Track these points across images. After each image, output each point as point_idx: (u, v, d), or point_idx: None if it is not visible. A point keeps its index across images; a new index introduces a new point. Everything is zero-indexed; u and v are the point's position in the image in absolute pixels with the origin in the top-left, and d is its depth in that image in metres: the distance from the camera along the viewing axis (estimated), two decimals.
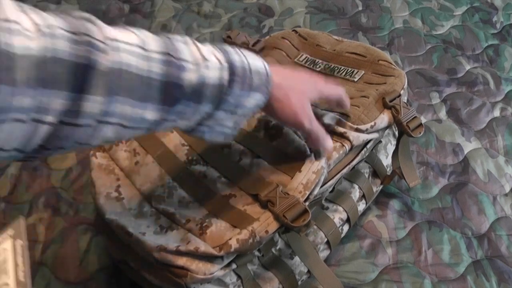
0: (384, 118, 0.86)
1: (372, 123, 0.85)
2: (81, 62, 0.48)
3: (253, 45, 1.03)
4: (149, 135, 0.88)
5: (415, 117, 0.88)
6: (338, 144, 0.81)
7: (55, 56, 0.47)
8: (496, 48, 1.39)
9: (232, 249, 0.70)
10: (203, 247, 0.70)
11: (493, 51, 1.37)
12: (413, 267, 0.95)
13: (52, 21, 0.48)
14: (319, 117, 0.81)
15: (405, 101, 0.90)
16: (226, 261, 0.72)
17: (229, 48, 0.64)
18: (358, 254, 0.96)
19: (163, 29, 1.45)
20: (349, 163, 0.85)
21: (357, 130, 0.82)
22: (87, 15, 0.53)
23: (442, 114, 1.22)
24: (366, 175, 0.96)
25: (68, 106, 0.49)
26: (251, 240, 0.71)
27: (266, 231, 0.72)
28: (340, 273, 0.93)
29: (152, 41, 0.56)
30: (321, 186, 0.79)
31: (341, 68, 0.95)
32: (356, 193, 0.95)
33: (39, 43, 0.46)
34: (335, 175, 0.83)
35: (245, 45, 1.03)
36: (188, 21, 1.48)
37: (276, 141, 0.81)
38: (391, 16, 1.49)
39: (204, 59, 0.59)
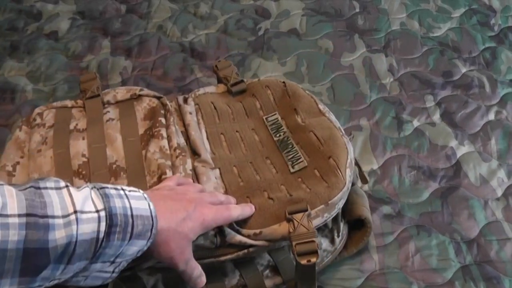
0: (276, 230, 0.78)
1: (257, 231, 0.78)
2: None
3: (234, 85, 1.00)
4: (66, 130, 0.90)
5: (312, 241, 0.75)
6: (211, 233, 0.76)
7: None
8: (493, 50, 1.37)
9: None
10: None
11: (490, 54, 1.36)
12: (400, 273, 0.94)
13: None
14: None
15: (323, 220, 0.81)
16: None
17: (111, 191, 0.60)
18: (343, 261, 0.95)
19: (159, 30, 1.45)
20: (216, 257, 0.79)
21: (238, 231, 0.78)
22: None
23: (436, 117, 1.21)
24: (261, 268, 0.86)
25: None
26: None
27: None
28: (325, 280, 0.93)
29: (14, 202, 0.49)
30: None
31: (292, 149, 0.89)
32: (233, 280, 0.85)
33: None
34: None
35: (225, 80, 1.00)
36: (184, 22, 1.48)
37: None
38: (388, 18, 1.48)
39: (76, 212, 0.53)
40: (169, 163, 0.83)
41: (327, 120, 0.92)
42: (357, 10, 1.51)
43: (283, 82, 0.99)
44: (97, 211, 0.55)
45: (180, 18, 1.49)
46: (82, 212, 0.54)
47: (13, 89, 1.29)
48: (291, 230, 0.76)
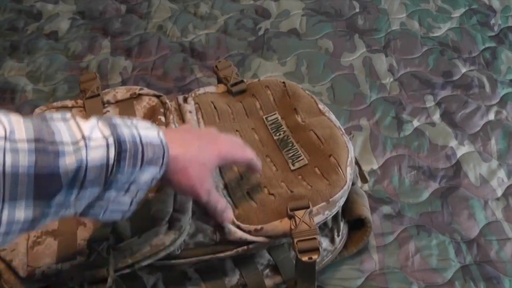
0: (277, 226, 0.78)
1: (258, 227, 0.78)
2: None
3: (234, 85, 1.00)
4: None
5: (313, 238, 0.76)
6: (210, 229, 0.78)
7: None
8: (493, 50, 1.37)
9: None
10: None
11: (490, 54, 1.36)
12: (400, 273, 0.94)
13: None
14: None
15: (324, 218, 0.81)
16: None
17: (118, 120, 0.60)
18: (343, 260, 0.95)
19: (159, 30, 1.45)
20: (215, 253, 0.79)
21: (238, 227, 0.78)
22: None
23: (436, 117, 1.21)
24: (261, 267, 0.86)
25: None
26: None
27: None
28: (325, 279, 0.93)
29: (21, 128, 0.50)
30: (169, 261, 0.78)
31: (292, 147, 0.89)
32: (233, 279, 0.85)
33: None
34: (191, 257, 0.79)
35: (225, 80, 1.00)
36: (184, 22, 1.48)
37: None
38: (388, 18, 1.48)
39: (85, 138, 0.54)
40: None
41: (327, 120, 0.92)
42: (357, 10, 1.51)
43: (283, 82, 0.99)
44: (105, 138, 0.55)
45: (180, 18, 1.49)
46: (90, 139, 0.54)
47: (13, 89, 1.29)
48: (292, 227, 0.76)
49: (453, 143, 1.15)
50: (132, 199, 0.62)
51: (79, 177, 0.53)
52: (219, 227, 0.78)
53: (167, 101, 0.93)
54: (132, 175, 0.59)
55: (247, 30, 1.45)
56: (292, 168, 0.86)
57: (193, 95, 0.97)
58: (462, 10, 1.50)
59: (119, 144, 0.56)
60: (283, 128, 0.93)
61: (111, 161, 0.55)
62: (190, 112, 0.93)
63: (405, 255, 0.96)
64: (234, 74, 1.01)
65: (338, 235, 0.90)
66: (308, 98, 0.96)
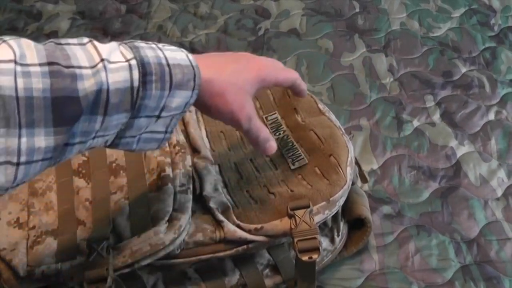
0: (277, 225, 0.78)
1: (258, 226, 0.78)
2: None
3: None
4: None
5: (313, 238, 0.75)
6: (210, 228, 0.77)
7: None
8: (493, 50, 1.37)
9: None
10: None
11: (490, 54, 1.36)
12: (400, 273, 0.94)
13: None
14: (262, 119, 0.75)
15: (324, 217, 0.81)
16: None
17: (141, 43, 0.56)
18: (343, 261, 0.95)
19: (159, 30, 1.45)
20: (215, 253, 0.78)
21: (238, 226, 0.78)
22: None
23: (436, 117, 1.21)
24: (261, 267, 0.86)
25: None
26: None
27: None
28: (325, 279, 0.93)
29: (33, 52, 0.48)
30: (169, 260, 0.77)
31: (292, 147, 0.89)
32: (233, 279, 0.85)
33: None
34: (190, 257, 0.78)
35: None
36: (184, 22, 1.48)
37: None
38: (388, 18, 1.48)
39: (104, 60, 0.51)
40: (168, 160, 0.83)
41: (327, 120, 0.92)
42: (357, 10, 1.51)
43: None
44: (127, 60, 0.52)
45: (180, 18, 1.49)
46: (109, 61, 0.51)
47: None
48: (292, 227, 0.76)
49: (453, 143, 1.15)
50: (166, 126, 0.59)
51: (101, 101, 0.50)
52: (220, 226, 0.78)
53: None
54: (162, 99, 0.55)
55: (247, 30, 1.45)
56: (292, 167, 0.86)
57: None
58: (462, 10, 1.50)
59: (143, 66, 0.53)
60: (283, 127, 0.93)
61: (136, 83, 0.52)
62: (190, 111, 0.93)
63: (405, 255, 0.96)
64: None
65: (338, 235, 0.90)
66: (308, 98, 0.96)
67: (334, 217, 0.87)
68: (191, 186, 0.80)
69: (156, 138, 0.59)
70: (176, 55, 0.56)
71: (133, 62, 0.52)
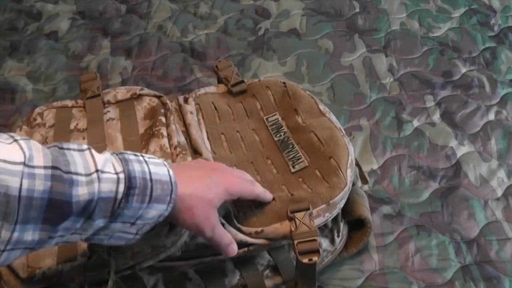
0: (277, 228, 0.78)
1: (258, 229, 0.78)
2: None
3: (234, 85, 0.99)
4: (67, 129, 0.90)
5: (313, 240, 0.75)
6: None
7: None
8: (493, 50, 1.37)
9: None
10: None
11: (490, 54, 1.36)
12: (400, 273, 0.94)
13: None
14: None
15: (324, 220, 0.81)
16: None
17: (130, 156, 0.62)
18: (343, 261, 0.95)
19: (159, 30, 1.45)
20: (216, 255, 0.79)
21: (239, 229, 0.78)
22: None
23: (436, 117, 1.21)
24: (261, 268, 0.86)
25: None
26: None
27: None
28: (325, 280, 0.92)
29: (40, 155, 0.53)
30: (170, 262, 0.78)
31: (293, 149, 0.89)
32: (233, 280, 0.85)
33: None
34: (191, 258, 0.79)
35: (226, 81, 1.00)
36: (184, 22, 1.48)
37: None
38: (388, 18, 1.48)
39: (99, 171, 0.56)
40: (169, 161, 0.83)
41: (328, 121, 0.92)
42: (357, 10, 1.51)
43: (283, 82, 0.99)
44: (116, 173, 0.57)
45: (180, 18, 1.49)
46: (102, 172, 0.56)
47: (13, 89, 1.29)
48: (293, 229, 0.76)
49: (453, 143, 1.15)
50: (138, 230, 0.64)
51: (89, 208, 0.55)
52: None
53: (168, 101, 0.93)
54: (140, 210, 0.60)
55: (247, 30, 1.45)
56: (293, 170, 0.86)
57: (193, 95, 0.97)
58: (462, 10, 1.50)
59: (130, 180, 0.58)
60: (283, 129, 0.92)
61: (120, 195, 0.57)
62: (191, 113, 0.93)
63: (405, 255, 0.96)
64: (235, 75, 1.01)
65: (338, 236, 0.90)
66: (308, 99, 0.96)
67: (334, 218, 0.87)
68: None
69: (127, 238, 0.64)
70: (159, 170, 0.62)
71: (122, 175, 0.58)
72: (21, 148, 0.52)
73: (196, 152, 0.87)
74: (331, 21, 1.46)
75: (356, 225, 0.92)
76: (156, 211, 0.62)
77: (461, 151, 1.13)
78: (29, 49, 1.40)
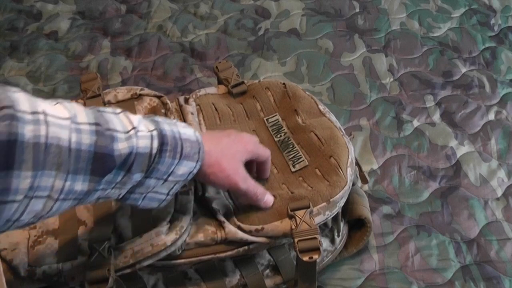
0: (277, 226, 0.78)
1: (259, 227, 0.78)
2: (2, 139, 0.48)
3: (235, 86, 1.00)
4: None
5: (314, 238, 0.75)
6: (211, 229, 0.78)
7: None
8: (493, 50, 1.37)
9: None
10: None
11: (490, 54, 1.36)
12: (400, 273, 0.94)
13: None
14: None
15: (324, 218, 0.81)
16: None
17: (160, 118, 0.66)
18: (343, 261, 0.95)
19: (159, 30, 1.45)
20: (216, 253, 0.79)
21: (239, 227, 0.78)
22: (16, 88, 0.52)
23: (436, 117, 1.21)
24: (261, 267, 0.86)
25: None
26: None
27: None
28: (325, 280, 0.93)
29: (82, 113, 0.57)
30: (170, 261, 0.78)
31: (293, 149, 0.89)
32: (233, 280, 0.85)
33: None
34: (191, 257, 0.79)
35: (226, 82, 1.00)
36: (184, 22, 1.48)
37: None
38: (388, 18, 1.48)
39: (134, 128, 0.61)
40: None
41: (328, 121, 0.92)
42: (357, 10, 1.51)
43: (283, 83, 0.99)
44: (150, 131, 0.62)
45: (180, 18, 1.49)
46: (138, 130, 0.61)
47: None
48: (293, 227, 0.76)
49: (453, 143, 1.15)
50: (169, 190, 0.68)
51: (129, 161, 0.60)
52: (221, 227, 0.78)
53: (168, 101, 0.93)
54: (171, 166, 0.65)
55: (247, 30, 1.45)
56: (293, 170, 0.86)
57: (194, 96, 0.97)
58: (462, 10, 1.50)
59: (162, 137, 0.63)
60: (283, 129, 0.93)
61: (154, 150, 0.62)
62: (192, 113, 0.93)
63: (405, 255, 0.96)
64: (235, 76, 1.01)
65: (338, 236, 0.91)
66: (308, 99, 0.96)
67: (334, 218, 0.87)
68: (192, 188, 0.81)
69: (158, 198, 0.68)
70: (186, 131, 0.67)
71: (155, 133, 0.63)
72: (66, 108, 0.56)
73: None
74: (331, 21, 1.46)
75: (356, 225, 0.92)
76: (186, 168, 0.67)
77: (461, 151, 1.14)
78: (29, 49, 1.40)
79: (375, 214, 1.01)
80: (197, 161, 0.68)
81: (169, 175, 0.66)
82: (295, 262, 0.81)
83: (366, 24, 1.46)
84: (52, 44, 1.42)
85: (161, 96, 0.95)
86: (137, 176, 0.62)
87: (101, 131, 0.57)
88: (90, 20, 1.51)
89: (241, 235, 0.78)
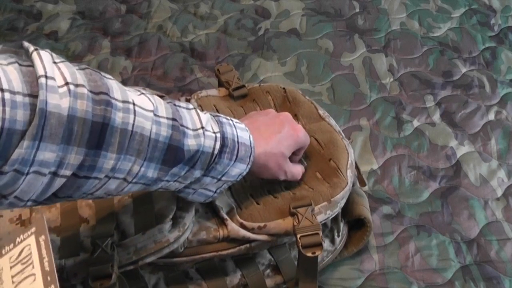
0: (280, 224, 0.79)
1: (261, 224, 0.79)
2: (98, 121, 0.53)
3: (235, 89, 1.00)
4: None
5: (316, 234, 0.76)
6: (213, 227, 0.79)
7: (77, 115, 0.52)
8: (493, 50, 1.37)
9: None
10: None
11: (490, 54, 1.36)
12: (400, 273, 0.94)
13: (78, 78, 0.53)
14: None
15: (325, 218, 0.82)
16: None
17: (224, 119, 0.71)
18: (343, 261, 0.95)
19: (159, 30, 1.45)
20: (218, 251, 0.79)
21: (241, 225, 0.79)
22: (109, 75, 0.58)
23: (436, 117, 1.21)
24: (262, 267, 0.86)
25: (84, 161, 0.54)
26: None
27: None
28: (324, 280, 0.93)
29: (162, 107, 0.62)
30: (172, 259, 0.78)
31: None
32: (234, 279, 0.85)
33: (67, 102, 0.51)
34: (194, 255, 0.79)
35: (227, 84, 1.01)
36: (184, 22, 1.48)
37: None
38: (388, 18, 1.48)
39: (203, 127, 0.65)
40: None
41: (327, 125, 0.92)
42: (357, 10, 1.51)
43: (283, 88, 1.00)
44: (214, 133, 0.67)
45: (180, 18, 1.49)
46: (206, 129, 0.66)
47: None
48: (295, 224, 0.77)
49: (453, 143, 1.15)
50: (217, 188, 0.73)
51: (195, 157, 0.65)
52: (223, 225, 0.79)
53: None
54: (227, 167, 0.70)
55: (247, 30, 1.45)
56: None
57: (195, 97, 0.98)
58: (462, 10, 1.50)
59: (223, 140, 0.68)
60: None
61: (216, 151, 0.67)
62: None
63: (405, 255, 0.96)
64: (236, 79, 1.01)
65: (338, 236, 0.91)
66: (308, 104, 0.96)
67: (334, 218, 0.87)
68: None
69: (207, 194, 0.74)
70: (243, 134, 0.72)
71: (218, 135, 0.67)
72: (149, 100, 0.61)
73: None
74: (331, 21, 1.46)
75: (356, 225, 0.93)
76: (238, 169, 0.71)
77: (461, 151, 1.13)
78: None
79: (375, 214, 1.01)
80: (248, 164, 0.72)
81: (223, 175, 0.70)
82: (295, 262, 0.81)
83: (366, 24, 1.46)
84: (52, 44, 1.42)
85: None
86: (197, 173, 0.67)
87: (177, 126, 0.62)
88: (90, 20, 1.51)
89: (244, 233, 0.78)
